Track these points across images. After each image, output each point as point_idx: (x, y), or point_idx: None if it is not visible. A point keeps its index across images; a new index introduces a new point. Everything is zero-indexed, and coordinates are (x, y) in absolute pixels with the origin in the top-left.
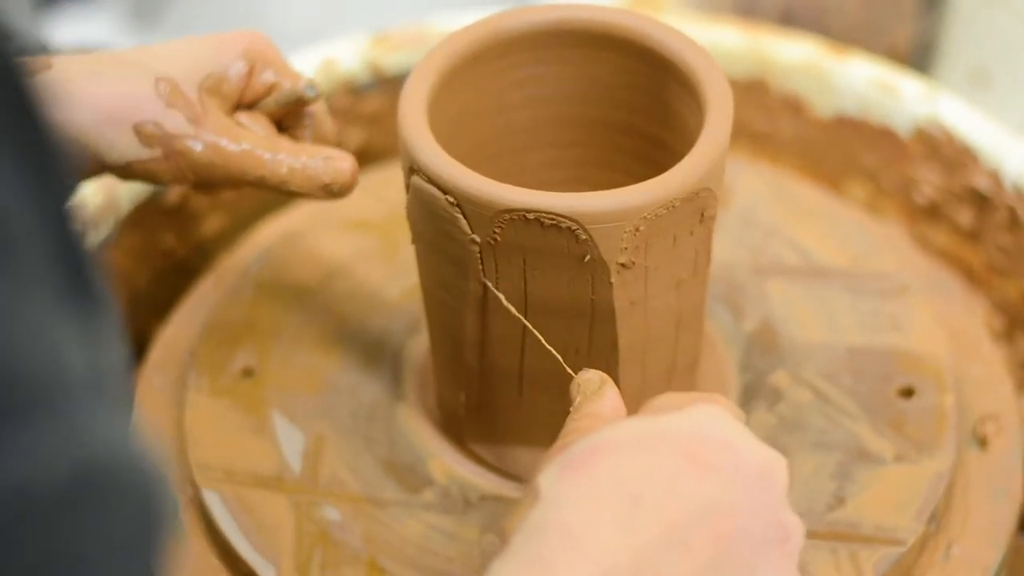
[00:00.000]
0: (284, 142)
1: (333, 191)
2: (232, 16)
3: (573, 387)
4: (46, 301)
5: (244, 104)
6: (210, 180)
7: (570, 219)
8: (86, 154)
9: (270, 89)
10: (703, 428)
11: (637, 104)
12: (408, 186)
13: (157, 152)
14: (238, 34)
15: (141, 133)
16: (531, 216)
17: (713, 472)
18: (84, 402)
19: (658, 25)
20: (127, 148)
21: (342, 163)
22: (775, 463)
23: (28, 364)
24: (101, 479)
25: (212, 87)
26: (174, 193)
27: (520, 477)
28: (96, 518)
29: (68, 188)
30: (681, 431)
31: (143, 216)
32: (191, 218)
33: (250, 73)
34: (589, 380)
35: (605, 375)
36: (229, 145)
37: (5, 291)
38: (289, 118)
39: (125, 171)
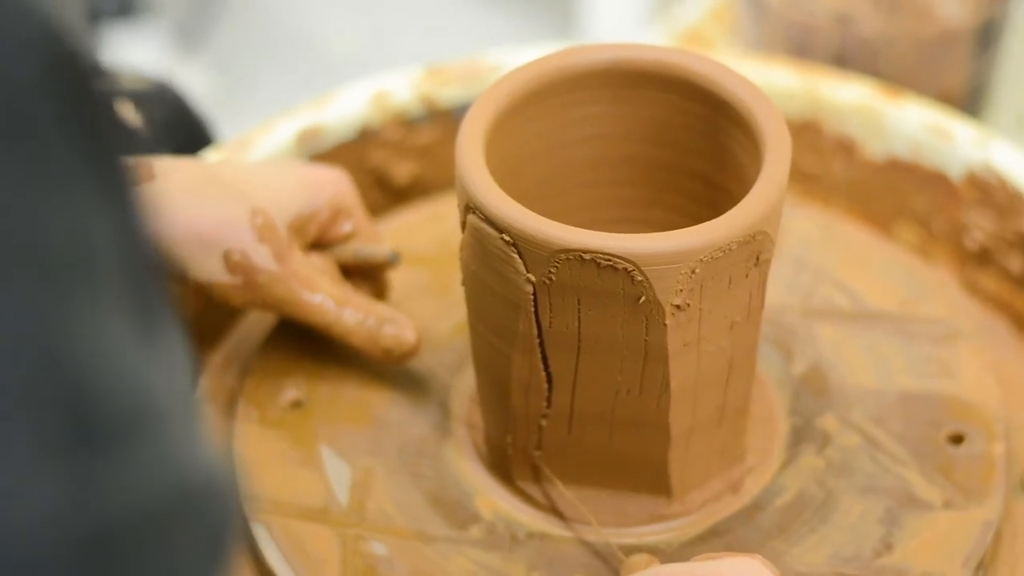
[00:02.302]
0: (355, 297)
1: (392, 356)
2: (276, 41)
3: (623, 570)
4: (126, 325)
5: (317, 245)
6: (278, 312)
7: (626, 260)
8: (172, 267)
9: (346, 237)
10: (741, 572)
11: (694, 145)
12: (464, 224)
13: (238, 280)
14: (329, 177)
15: (229, 260)
16: (587, 257)
17: None
18: (169, 424)
19: (717, 66)
20: (212, 270)
21: (407, 334)
22: None
23: (117, 390)
24: (190, 500)
25: (298, 227)
26: None
27: (567, 515)
28: (185, 538)
29: (141, 209)
30: (721, 572)
31: None
32: None
33: (331, 219)
34: (636, 563)
35: (652, 556)
36: (304, 290)
37: (90, 317)
38: (357, 268)
39: (202, 289)
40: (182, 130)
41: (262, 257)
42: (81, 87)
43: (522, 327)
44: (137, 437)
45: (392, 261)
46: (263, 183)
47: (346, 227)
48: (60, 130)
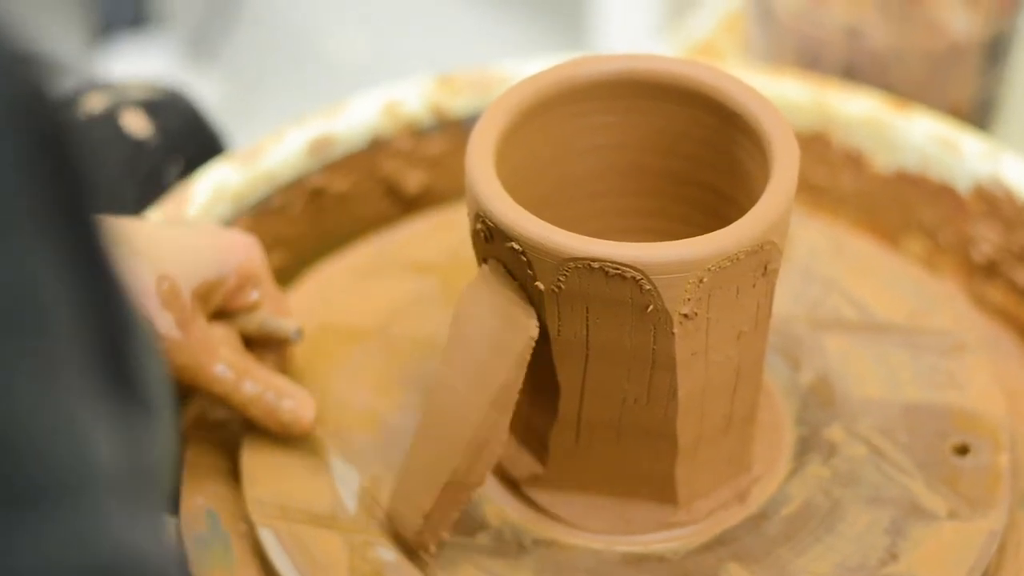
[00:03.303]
0: (255, 369)
1: (289, 431)
2: (288, 51)
3: None
4: (80, 391)
5: (222, 312)
6: (178, 381)
7: (635, 269)
8: None
9: (251, 307)
10: None
11: (703, 155)
12: (477, 244)
13: None
14: (238, 243)
15: None
16: (596, 265)
17: None
18: (104, 502)
19: (726, 77)
20: None
21: (304, 412)
22: None
23: (49, 452)
24: None
25: (204, 294)
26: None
27: (574, 522)
28: None
29: (113, 264)
30: None
31: None
32: None
33: (243, 284)
34: None
35: None
36: (205, 359)
37: (34, 373)
38: (260, 339)
39: None
40: (194, 139)
41: (164, 324)
42: (45, 132)
43: (507, 378)
44: (57, 504)
45: (294, 338)
46: (173, 248)
47: (253, 296)
48: (16, 176)
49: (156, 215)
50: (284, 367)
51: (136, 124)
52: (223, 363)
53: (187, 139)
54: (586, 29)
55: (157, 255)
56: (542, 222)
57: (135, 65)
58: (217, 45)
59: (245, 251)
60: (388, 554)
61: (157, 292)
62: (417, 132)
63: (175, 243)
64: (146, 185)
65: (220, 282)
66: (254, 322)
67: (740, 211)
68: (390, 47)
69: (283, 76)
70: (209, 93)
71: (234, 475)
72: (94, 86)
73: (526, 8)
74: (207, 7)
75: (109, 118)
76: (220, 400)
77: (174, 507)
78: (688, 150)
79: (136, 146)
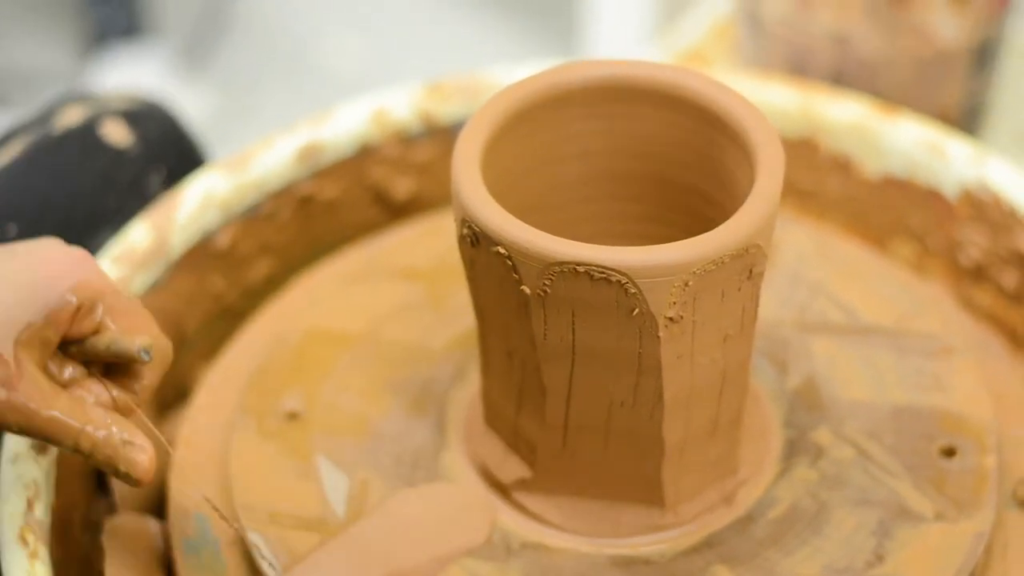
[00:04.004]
0: (95, 412)
1: (129, 480)
2: (281, 60)
3: None
4: None
5: (68, 340)
6: (21, 436)
7: (620, 272)
8: None
9: (98, 328)
10: None
11: (689, 160)
12: (460, 237)
13: None
14: (65, 266)
15: None
16: (581, 269)
17: None
18: None
19: (711, 83)
20: None
21: (140, 455)
22: None
23: None
24: None
25: (30, 339)
26: (224, 237)
27: (562, 525)
28: None
29: None
30: None
31: (193, 259)
32: (241, 262)
33: (79, 309)
34: None
35: None
36: (39, 411)
37: None
38: (119, 364)
39: None
40: (175, 149)
41: None
42: None
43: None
44: None
45: (144, 358)
46: None
47: (97, 314)
48: None
49: (143, 224)
50: (144, 390)
51: (117, 134)
52: (58, 410)
53: (168, 148)
54: (577, 36)
55: None
56: (527, 226)
57: (128, 74)
58: (210, 54)
59: (76, 270)
60: None
61: None
62: (406, 139)
63: None
64: (128, 194)
65: (50, 318)
66: (101, 344)
67: (726, 215)
68: (383, 55)
69: (276, 84)
70: (202, 102)
71: (223, 480)
72: (73, 98)
73: (520, 15)
74: (200, 16)
75: (88, 129)
76: (71, 451)
77: (161, 512)
78: (673, 155)
79: (117, 155)
